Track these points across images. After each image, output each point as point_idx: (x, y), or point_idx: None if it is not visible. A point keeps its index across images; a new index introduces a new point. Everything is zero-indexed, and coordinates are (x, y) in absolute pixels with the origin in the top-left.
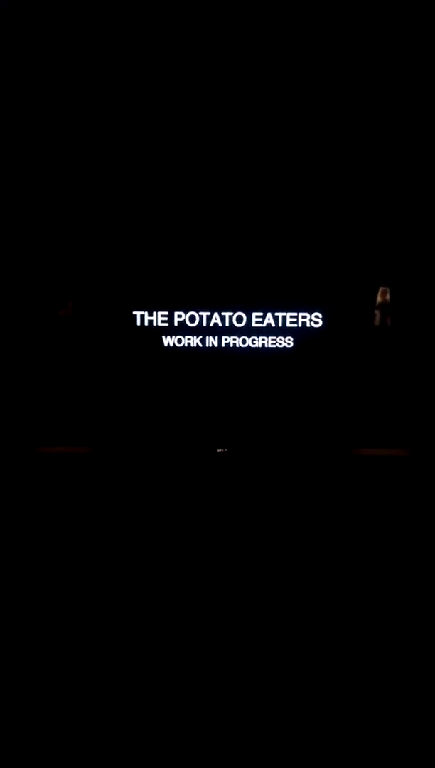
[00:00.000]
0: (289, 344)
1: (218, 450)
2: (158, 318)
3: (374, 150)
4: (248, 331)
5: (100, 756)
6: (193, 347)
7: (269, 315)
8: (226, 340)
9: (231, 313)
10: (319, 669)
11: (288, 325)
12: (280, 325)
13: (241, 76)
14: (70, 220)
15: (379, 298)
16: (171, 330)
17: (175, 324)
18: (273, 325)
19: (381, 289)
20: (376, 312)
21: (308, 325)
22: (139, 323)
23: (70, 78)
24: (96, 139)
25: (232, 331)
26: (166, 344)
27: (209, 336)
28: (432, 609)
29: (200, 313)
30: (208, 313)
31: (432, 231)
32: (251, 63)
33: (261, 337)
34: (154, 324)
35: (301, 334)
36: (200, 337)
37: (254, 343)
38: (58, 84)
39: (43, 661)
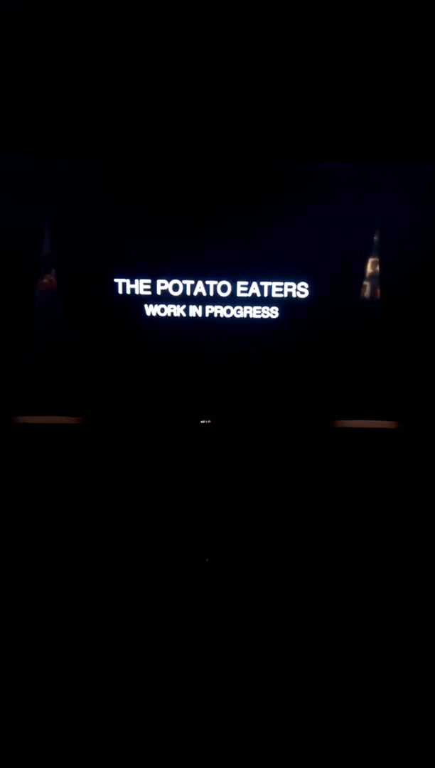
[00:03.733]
0: (274, 315)
1: (202, 422)
2: (140, 286)
3: (366, 118)
4: (233, 300)
5: (99, 752)
6: (177, 317)
7: (254, 284)
8: (210, 309)
9: (215, 282)
10: (307, 641)
11: (274, 295)
12: (266, 294)
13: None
14: (52, 185)
15: (369, 270)
16: (153, 299)
17: (158, 292)
18: (258, 294)
19: (372, 260)
20: (366, 283)
21: (294, 295)
22: (120, 291)
23: None
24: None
25: (216, 300)
26: (148, 313)
27: (193, 305)
28: (420, 590)
29: (184, 282)
30: (192, 282)
31: (421, 202)
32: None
33: (246, 307)
34: (136, 292)
35: (286, 304)
36: (184, 307)
37: (239, 314)
38: None
39: (35, 643)
